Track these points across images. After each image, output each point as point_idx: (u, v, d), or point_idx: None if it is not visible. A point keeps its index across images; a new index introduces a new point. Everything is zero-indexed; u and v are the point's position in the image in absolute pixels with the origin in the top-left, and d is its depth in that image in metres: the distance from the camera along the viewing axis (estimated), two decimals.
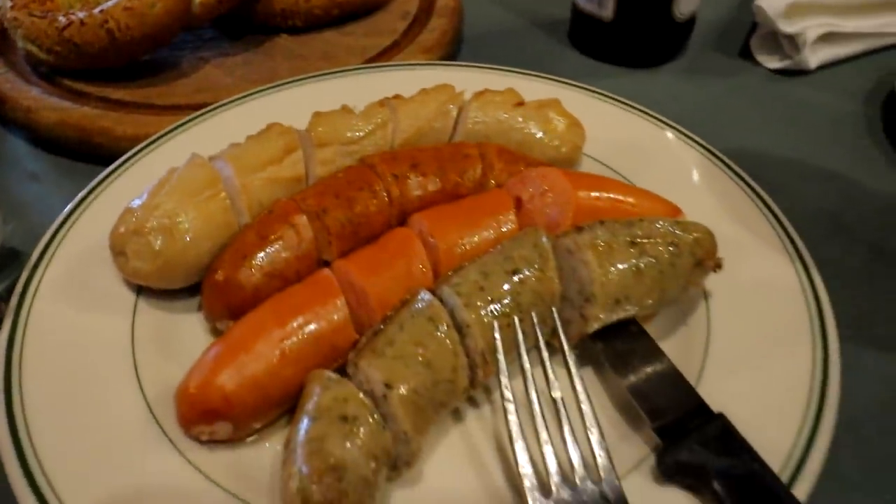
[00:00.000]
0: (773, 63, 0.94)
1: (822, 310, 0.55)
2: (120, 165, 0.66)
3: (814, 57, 0.92)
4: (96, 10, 0.75)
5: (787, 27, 0.91)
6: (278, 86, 0.76)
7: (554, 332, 0.50)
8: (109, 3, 0.75)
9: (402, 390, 0.45)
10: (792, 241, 0.60)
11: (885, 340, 0.61)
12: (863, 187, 0.77)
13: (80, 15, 0.76)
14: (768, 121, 0.86)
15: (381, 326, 0.49)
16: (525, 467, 0.44)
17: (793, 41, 0.92)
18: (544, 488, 0.44)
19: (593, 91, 0.76)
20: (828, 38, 0.93)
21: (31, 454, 0.45)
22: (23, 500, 0.44)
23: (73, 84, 0.80)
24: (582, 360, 0.55)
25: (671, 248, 0.52)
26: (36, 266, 0.57)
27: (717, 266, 0.55)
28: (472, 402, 0.53)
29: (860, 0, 0.94)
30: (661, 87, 0.91)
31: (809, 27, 0.91)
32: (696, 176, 0.67)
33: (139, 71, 0.82)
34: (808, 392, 0.50)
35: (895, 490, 0.51)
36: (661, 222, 0.53)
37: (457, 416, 0.52)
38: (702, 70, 0.94)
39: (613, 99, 0.75)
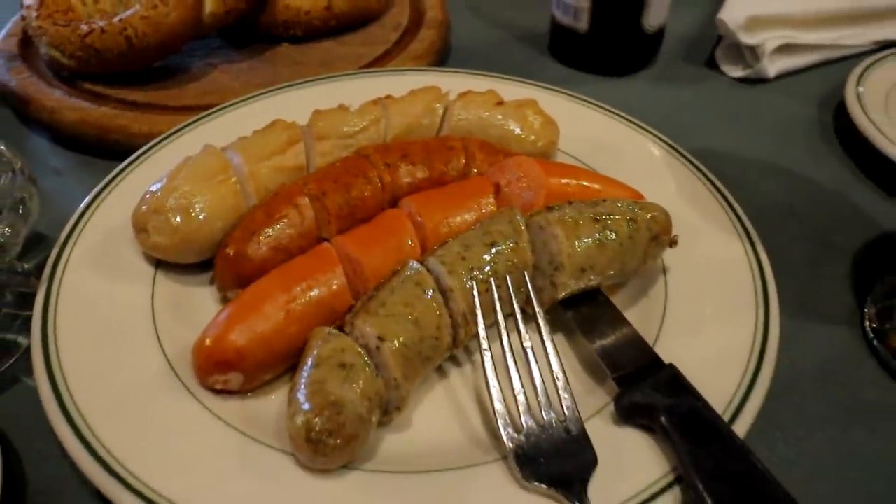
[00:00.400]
0: (736, 72, 1.02)
1: (765, 282, 0.62)
2: (137, 157, 0.73)
3: (772, 66, 1.00)
4: (116, 19, 0.83)
5: (747, 39, 0.99)
6: (280, 88, 0.83)
7: (528, 298, 0.57)
8: (128, 13, 0.83)
9: (393, 343, 0.52)
10: (742, 224, 0.67)
11: (824, 316, 0.68)
12: (814, 183, 0.84)
13: (101, 23, 0.83)
14: (731, 124, 0.94)
15: (375, 292, 0.55)
16: (499, 406, 0.50)
17: (753, 52, 1.01)
18: (515, 425, 0.50)
19: (568, 94, 0.83)
20: (785, 49, 1.01)
21: (70, 402, 0.52)
22: (67, 442, 0.50)
23: (92, 87, 0.87)
24: (554, 327, 0.62)
25: (630, 224, 0.59)
26: (65, 244, 0.63)
27: (673, 242, 0.62)
28: (455, 361, 0.59)
29: (815, 15, 1.02)
30: (634, 94, 0.99)
31: (768, 39, 0.99)
32: (659, 169, 0.74)
33: (153, 75, 0.89)
34: (749, 350, 0.56)
35: (823, 436, 0.58)
36: (621, 202, 0.60)
37: (442, 374, 0.59)
38: (671, 78, 1.02)
39: (586, 101, 0.82)
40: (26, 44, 0.93)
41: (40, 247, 0.71)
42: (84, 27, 0.83)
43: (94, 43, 0.82)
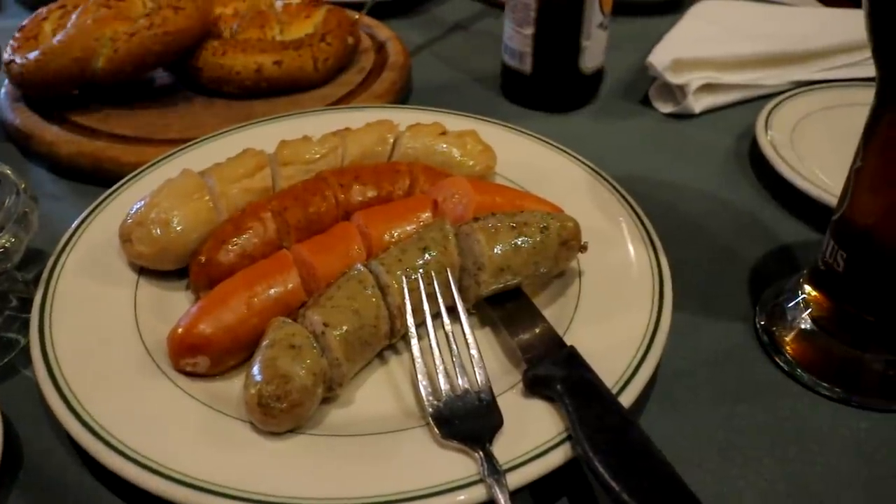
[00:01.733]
0: (666, 108, 1.14)
1: (662, 283, 0.72)
2: (125, 182, 0.84)
3: (697, 103, 1.12)
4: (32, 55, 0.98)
5: (673, 79, 1.11)
6: (254, 123, 0.94)
7: (453, 293, 0.67)
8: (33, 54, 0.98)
9: (336, 329, 0.61)
10: (648, 234, 0.78)
11: (723, 314, 0.78)
12: (727, 204, 0.95)
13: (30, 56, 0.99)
14: (658, 153, 1.05)
15: (325, 290, 0.65)
16: (422, 378, 0.60)
17: (681, 90, 1.13)
18: (436, 393, 0.60)
19: (506, 125, 0.95)
20: (709, 88, 1.13)
21: (62, 382, 0.60)
22: (60, 414, 0.59)
23: (87, 123, 0.98)
24: (483, 322, 0.72)
25: (542, 231, 0.69)
26: (60, 253, 0.73)
27: (583, 248, 0.72)
28: (395, 349, 0.69)
29: (733, 59, 1.15)
30: (574, 128, 1.10)
31: (693, 79, 1.12)
32: (581, 188, 0.85)
33: (142, 112, 1.01)
34: (642, 337, 0.66)
35: (714, 412, 0.67)
36: (537, 214, 0.71)
37: (382, 360, 0.68)
38: (608, 114, 1.14)
39: (522, 131, 0.94)
40: None
41: (38, 260, 0.81)
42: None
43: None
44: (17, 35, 1.04)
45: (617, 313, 0.70)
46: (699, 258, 0.85)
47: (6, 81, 1.08)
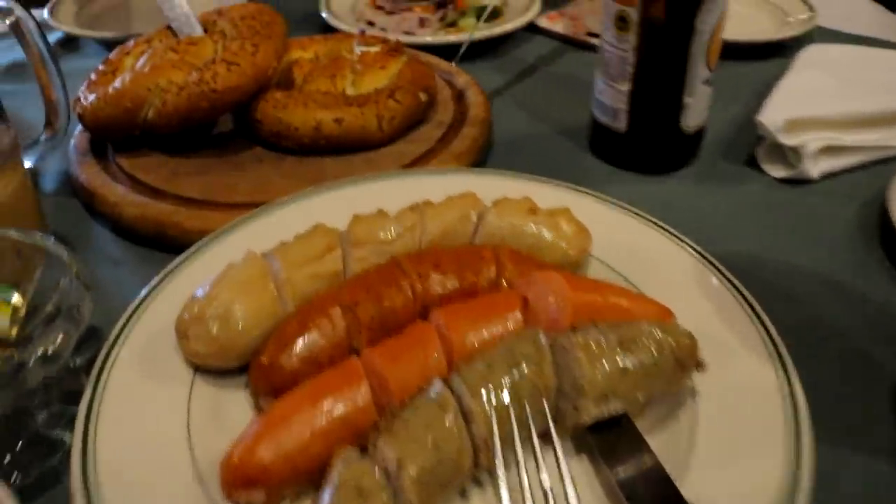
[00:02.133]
0: (778, 172, 1.01)
1: (797, 413, 0.60)
2: (187, 258, 0.77)
3: (815, 167, 0.99)
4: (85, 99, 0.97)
5: (787, 140, 0.99)
6: (324, 188, 0.87)
7: (548, 425, 0.57)
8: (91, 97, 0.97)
9: (412, 468, 0.52)
10: (775, 346, 0.66)
11: (861, 450, 0.65)
12: (854, 293, 0.82)
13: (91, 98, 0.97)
14: (770, 226, 0.93)
15: (399, 411, 0.57)
16: None
17: (796, 152, 1.00)
18: None
19: (603, 198, 0.85)
20: (829, 149, 1.00)
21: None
22: None
23: (153, 182, 0.93)
24: (578, 450, 0.61)
25: (654, 350, 0.59)
26: (113, 344, 0.67)
27: (700, 366, 0.62)
28: (478, 483, 0.60)
29: (854, 117, 1.02)
30: (674, 193, 0.99)
31: (810, 140, 0.99)
32: (691, 280, 0.74)
33: (210, 171, 0.96)
34: (777, 490, 0.55)
35: None
36: (646, 326, 0.60)
37: (463, 495, 0.59)
38: (710, 178, 1.02)
39: (621, 206, 0.83)
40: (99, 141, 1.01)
41: (93, 340, 0.75)
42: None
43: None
44: (100, 67, 1.02)
45: (745, 452, 0.58)
46: (826, 367, 0.73)
47: (76, 132, 1.05)
